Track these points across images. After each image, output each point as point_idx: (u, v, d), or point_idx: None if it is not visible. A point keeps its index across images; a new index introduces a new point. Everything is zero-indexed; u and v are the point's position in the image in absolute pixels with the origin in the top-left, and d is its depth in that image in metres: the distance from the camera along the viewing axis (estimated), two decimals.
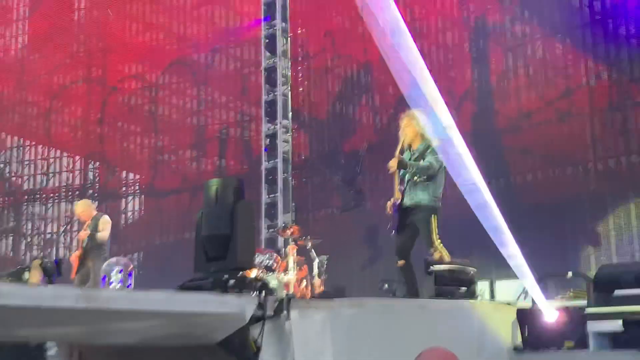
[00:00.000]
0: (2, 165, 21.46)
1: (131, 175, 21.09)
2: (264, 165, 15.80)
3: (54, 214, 21.03)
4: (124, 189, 20.75)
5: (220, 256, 5.54)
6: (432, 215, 7.20)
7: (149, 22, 20.32)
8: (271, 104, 15.89)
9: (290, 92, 15.94)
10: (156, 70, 20.19)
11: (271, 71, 15.96)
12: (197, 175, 18.89)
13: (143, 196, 20.53)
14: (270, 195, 15.70)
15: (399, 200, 7.35)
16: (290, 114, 15.85)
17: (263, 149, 15.72)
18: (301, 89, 17.03)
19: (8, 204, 21.55)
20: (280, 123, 15.71)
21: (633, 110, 13.92)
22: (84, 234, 10.18)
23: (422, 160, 7.32)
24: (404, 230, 7.36)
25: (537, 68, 15.28)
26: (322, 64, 17.82)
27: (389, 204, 7.44)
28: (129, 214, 20.50)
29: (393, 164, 7.26)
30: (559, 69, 14.97)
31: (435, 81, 6.83)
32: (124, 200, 20.69)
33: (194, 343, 4.96)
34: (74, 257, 10.25)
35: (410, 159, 7.37)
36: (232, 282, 5.25)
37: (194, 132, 19.83)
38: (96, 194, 20.78)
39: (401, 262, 7.26)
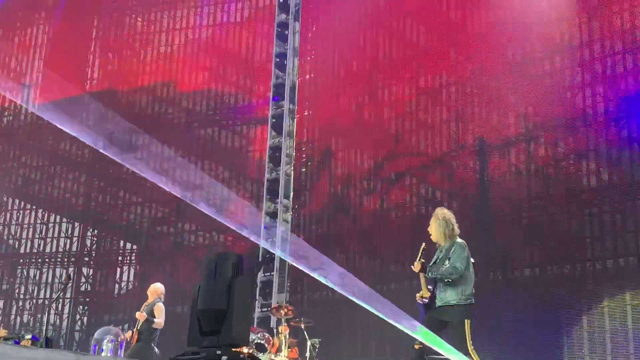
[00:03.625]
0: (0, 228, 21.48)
1: (128, 245, 21.03)
2: (263, 243, 15.79)
3: (48, 279, 20.90)
4: (120, 258, 20.68)
5: (214, 331, 5.52)
6: (466, 320, 7.15)
7: (158, 95, 20.64)
8: (273, 183, 16.03)
9: (293, 172, 16.11)
10: (162, 142, 20.38)
11: (275, 150, 16.16)
12: (195, 249, 18.88)
13: (138, 266, 20.43)
14: (266, 274, 15.65)
15: (427, 299, 7.33)
16: (291, 194, 15.96)
17: (262, 226, 15.74)
18: (303, 169, 17.17)
19: (3, 266, 21.47)
20: (281, 202, 15.80)
21: (633, 211, 13.97)
22: (142, 316, 10.44)
23: (447, 261, 7.31)
24: (433, 321, 7.30)
25: (538, 165, 15.40)
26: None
27: (419, 295, 7.42)
28: (123, 283, 20.36)
29: (416, 268, 7.34)
30: (560, 167, 15.09)
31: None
32: (119, 269, 20.59)
33: None
34: (129, 335, 10.57)
35: (438, 258, 7.41)
36: (225, 358, 5.22)
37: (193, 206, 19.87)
38: (92, 262, 20.73)
39: (419, 345, 7.20)
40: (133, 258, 20.67)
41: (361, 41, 18.30)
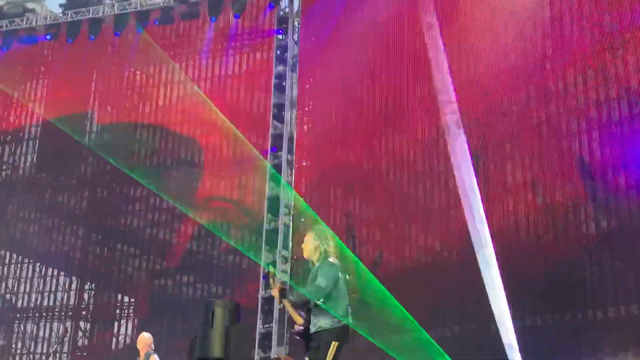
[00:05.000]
0: None
1: (126, 299, 20.87)
2: (261, 294, 15.72)
3: (45, 333, 20.68)
4: (117, 311, 20.49)
5: None
6: (333, 342, 6.83)
7: (157, 147, 20.71)
8: (272, 233, 16.01)
9: (292, 222, 16.11)
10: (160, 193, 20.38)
11: (274, 200, 16.19)
12: (193, 302, 18.72)
13: (136, 320, 20.24)
14: (265, 326, 15.54)
15: (302, 327, 6.99)
16: (290, 244, 15.94)
17: (261, 277, 15.69)
18: (303, 219, 17.13)
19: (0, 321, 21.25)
20: (280, 253, 15.77)
21: (632, 259, 13.89)
22: None
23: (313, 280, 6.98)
24: (312, 352, 7.01)
25: (539, 212, 15.38)
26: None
27: (297, 327, 7.10)
28: (121, 337, 20.16)
29: (275, 294, 6.84)
30: (559, 215, 15.06)
31: None
32: (116, 322, 20.39)
33: None
34: None
35: (310, 278, 7.07)
36: None
37: (192, 257, 19.78)
38: (89, 315, 20.53)
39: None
40: (131, 311, 20.49)
41: (358, 92, 18.44)
